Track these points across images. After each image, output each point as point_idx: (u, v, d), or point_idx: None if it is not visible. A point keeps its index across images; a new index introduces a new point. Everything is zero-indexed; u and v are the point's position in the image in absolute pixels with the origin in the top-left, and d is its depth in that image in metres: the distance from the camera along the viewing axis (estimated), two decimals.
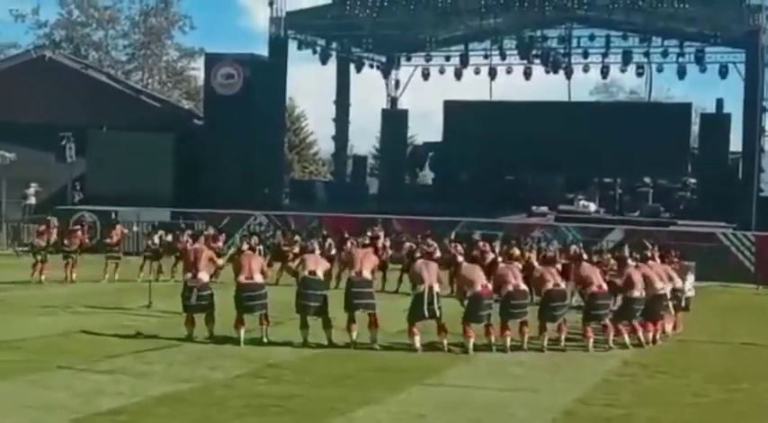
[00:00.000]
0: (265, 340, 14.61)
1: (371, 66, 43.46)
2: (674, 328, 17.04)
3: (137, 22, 62.11)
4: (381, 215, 30.92)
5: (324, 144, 55.68)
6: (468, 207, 33.19)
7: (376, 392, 11.46)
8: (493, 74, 41.56)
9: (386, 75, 44.31)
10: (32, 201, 36.25)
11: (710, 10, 34.18)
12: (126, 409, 10.16)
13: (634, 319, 15.69)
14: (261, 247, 23.35)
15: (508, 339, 14.70)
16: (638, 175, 37.34)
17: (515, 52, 39.73)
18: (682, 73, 39.20)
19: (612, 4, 34.52)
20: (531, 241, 25.06)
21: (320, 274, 14.98)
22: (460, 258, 17.91)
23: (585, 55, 39.86)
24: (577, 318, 15.85)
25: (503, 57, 40.65)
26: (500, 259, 18.13)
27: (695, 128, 42.71)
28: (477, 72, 41.71)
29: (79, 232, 24.29)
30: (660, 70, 40.29)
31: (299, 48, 38.78)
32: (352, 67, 42.39)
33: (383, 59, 43.75)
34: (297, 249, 22.82)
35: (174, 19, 62.13)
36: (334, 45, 40.80)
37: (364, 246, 17.85)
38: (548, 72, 40.12)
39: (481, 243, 22.60)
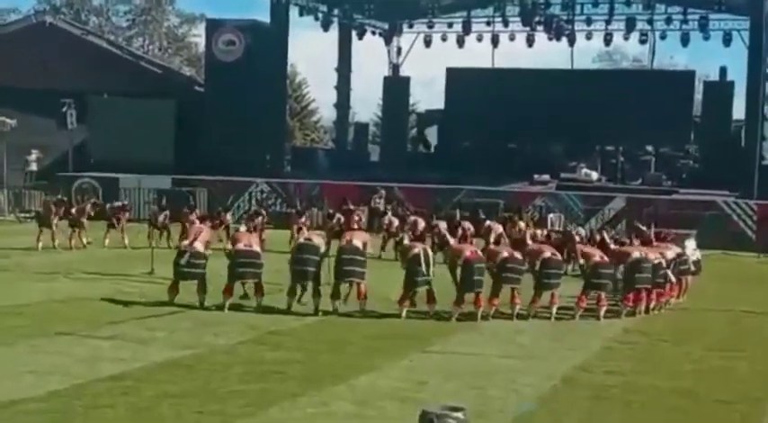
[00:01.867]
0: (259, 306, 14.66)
1: (373, 32, 43.25)
2: (678, 296, 17.05)
3: None
4: (382, 183, 30.88)
5: (325, 111, 55.67)
6: (469, 175, 33.15)
7: (377, 359, 11.49)
8: (495, 41, 41.35)
9: (388, 42, 44.08)
10: (34, 167, 36.20)
11: None
12: (128, 375, 10.20)
13: (644, 285, 15.57)
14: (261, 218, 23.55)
15: (517, 307, 14.75)
16: (640, 144, 37.21)
17: (518, 19, 39.50)
18: (685, 40, 39.01)
19: None
20: (533, 210, 25.09)
21: (316, 241, 15.09)
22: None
23: (589, 22, 39.62)
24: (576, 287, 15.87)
25: (505, 24, 40.46)
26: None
27: (698, 96, 42.50)
28: (479, 39, 41.51)
29: (89, 209, 24.27)
30: (663, 38, 40.08)
31: (301, 14, 38.59)
32: (353, 33, 42.18)
33: (385, 26, 43.52)
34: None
35: None
36: (335, 11, 40.59)
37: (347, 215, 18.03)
38: (550, 39, 39.86)
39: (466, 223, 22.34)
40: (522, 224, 22.45)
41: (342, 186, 31.11)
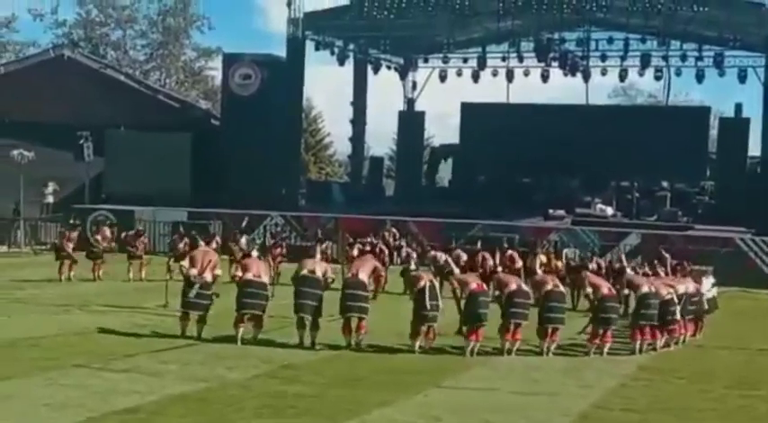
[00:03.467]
0: (238, 343, 14.47)
1: (389, 67, 43.44)
2: (694, 334, 16.94)
3: (155, 21, 62.25)
4: (397, 217, 30.86)
5: (340, 145, 55.78)
6: (484, 209, 33.12)
7: (391, 394, 11.44)
8: (510, 76, 41.46)
9: (403, 76, 44.27)
10: (51, 199, 36.41)
11: (730, 14, 33.97)
12: (142, 408, 10.18)
13: (652, 321, 15.46)
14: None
15: (514, 343, 14.61)
16: (655, 179, 37.14)
17: (533, 55, 39.60)
18: (700, 77, 39.01)
19: (631, 6, 34.30)
20: (548, 245, 25.05)
21: (319, 274, 14.92)
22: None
23: (604, 58, 39.71)
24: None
25: (520, 59, 40.55)
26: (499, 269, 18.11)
27: (713, 132, 42.50)
28: (494, 74, 41.61)
29: (108, 233, 24.53)
30: (679, 74, 40.08)
31: (317, 49, 38.79)
32: (369, 68, 42.40)
33: (400, 61, 43.74)
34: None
35: (192, 19, 62.26)
36: (351, 46, 40.82)
37: (363, 252, 17.95)
38: (565, 75, 39.98)
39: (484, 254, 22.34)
40: (542, 258, 22.38)
41: (356, 220, 31.10)
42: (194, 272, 15.24)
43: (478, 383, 12.45)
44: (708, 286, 18.06)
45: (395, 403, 10.98)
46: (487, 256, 21.35)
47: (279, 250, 23.66)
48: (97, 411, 9.94)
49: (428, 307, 14.31)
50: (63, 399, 10.48)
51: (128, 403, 10.35)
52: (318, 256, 16.24)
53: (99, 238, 24.58)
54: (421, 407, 10.90)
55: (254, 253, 17.29)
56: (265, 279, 15.06)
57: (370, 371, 13.00)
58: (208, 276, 15.19)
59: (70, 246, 23.53)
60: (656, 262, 18.93)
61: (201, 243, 18.18)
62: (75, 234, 24.15)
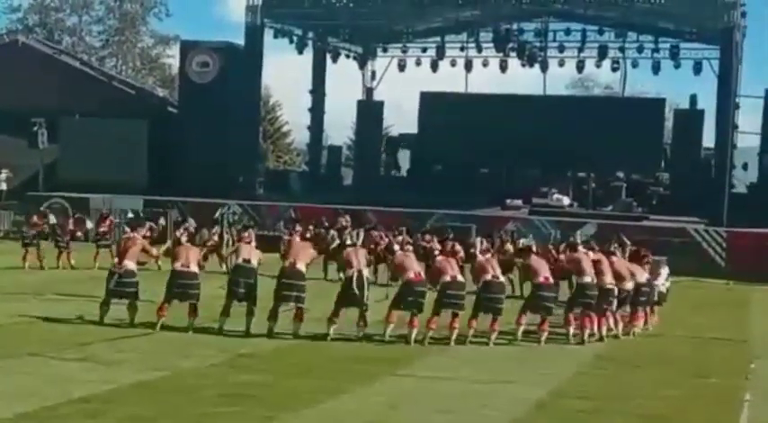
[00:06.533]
0: (190, 332, 14.51)
1: (348, 56, 43.34)
2: (645, 323, 17.08)
3: (111, 7, 61.69)
4: (355, 206, 30.84)
5: (299, 134, 55.60)
6: (442, 199, 33.19)
7: (347, 383, 11.46)
8: (469, 66, 41.58)
9: (362, 65, 44.17)
10: (4, 187, 35.98)
11: (686, 6, 34.35)
12: (97, 397, 10.11)
13: (588, 309, 15.46)
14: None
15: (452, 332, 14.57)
16: (611, 170, 37.44)
17: (491, 45, 39.81)
18: (656, 68, 39.42)
19: None
20: (505, 234, 25.14)
21: (254, 262, 15.03)
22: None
23: (561, 49, 39.94)
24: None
25: (479, 49, 40.73)
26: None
27: (669, 123, 42.90)
28: (453, 64, 41.71)
29: (71, 222, 24.58)
30: (635, 66, 40.43)
31: (276, 36, 38.62)
32: (328, 56, 42.27)
33: (359, 50, 43.65)
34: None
35: (149, 5, 61.74)
36: (310, 34, 40.65)
37: (304, 238, 17.94)
38: (523, 65, 40.21)
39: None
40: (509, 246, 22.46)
41: (314, 209, 31.04)
42: (115, 261, 15.52)
43: (435, 372, 12.50)
44: (663, 278, 18.21)
45: (351, 392, 11.01)
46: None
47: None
48: (52, 400, 9.86)
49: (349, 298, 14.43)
50: (17, 387, 10.39)
51: (83, 392, 10.28)
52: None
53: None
54: (377, 395, 10.93)
55: (183, 238, 17.19)
56: (194, 267, 15.06)
57: (326, 359, 13.01)
58: (129, 264, 15.21)
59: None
60: (615, 246, 19.03)
61: (128, 229, 18.31)
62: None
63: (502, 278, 15.49)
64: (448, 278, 14.78)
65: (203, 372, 11.83)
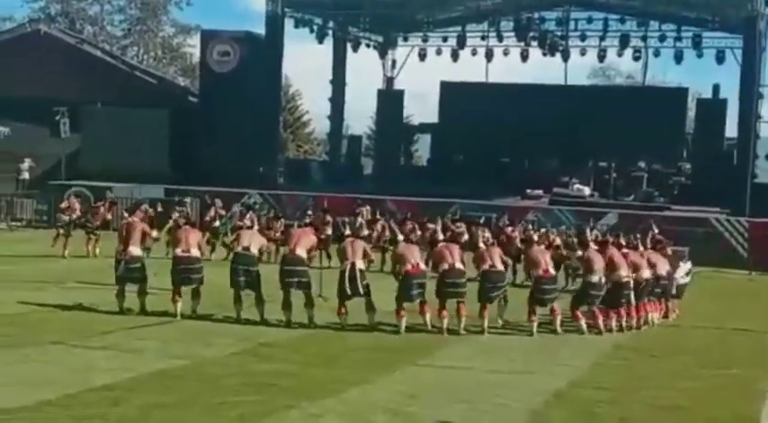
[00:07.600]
0: (194, 314, 14.73)
1: (368, 45, 43.31)
2: (665, 316, 17.03)
3: None
4: (375, 196, 30.86)
5: (319, 124, 55.63)
6: (462, 188, 33.17)
7: (368, 373, 11.48)
8: (490, 55, 41.46)
9: (382, 55, 44.14)
10: (26, 176, 36.15)
11: None
12: (119, 385, 10.18)
13: (593, 306, 15.44)
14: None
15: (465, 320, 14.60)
16: (632, 160, 37.30)
17: (512, 34, 39.65)
18: (679, 58, 39.20)
19: None
20: (525, 224, 25.14)
21: (254, 250, 15.11)
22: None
23: (583, 38, 39.80)
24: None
25: (500, 38, 40.58)
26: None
27: (691, 113, 42.68)
28: (473, 53, 41.61)
29: (102, 209, 24.52)
30: (657, 55, 40.26)
31: (296, 26, 38.63)
32: (348, 46, 42.25)
33: (380, 39, 43.61)
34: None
35: None
36: (330, 24, 40.65)
37: (303, 225, 18.00)
38: (545, 55, 40.07)
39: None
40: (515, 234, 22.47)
41: (335, 198, 31.06)
42: (120, 248, 15.54)
43: (455, 362, 12.51)
44: (684, 272, 18.07)
45: (372, 381, 11.03)
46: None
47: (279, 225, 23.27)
48: (74, 388, 9.93)
49: (348, 291, 14.41)
50: (40, 376, 10.46)
51: (105, 380, 10.34)
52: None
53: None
54: (398, 385, 10.95)
55: (181, 220, 17.21)
56: (195, 251, 15.13)
57: (346, 349, 13.04)
58: (133, 250, 15.32)
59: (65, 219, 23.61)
60: (638, 235, 18.96)
61: (126, 214, 18.37)
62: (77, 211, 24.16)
63: (500, 267, 15.39)
64: (446, 266, 14.83)
65: (224, 360, 11.89)
